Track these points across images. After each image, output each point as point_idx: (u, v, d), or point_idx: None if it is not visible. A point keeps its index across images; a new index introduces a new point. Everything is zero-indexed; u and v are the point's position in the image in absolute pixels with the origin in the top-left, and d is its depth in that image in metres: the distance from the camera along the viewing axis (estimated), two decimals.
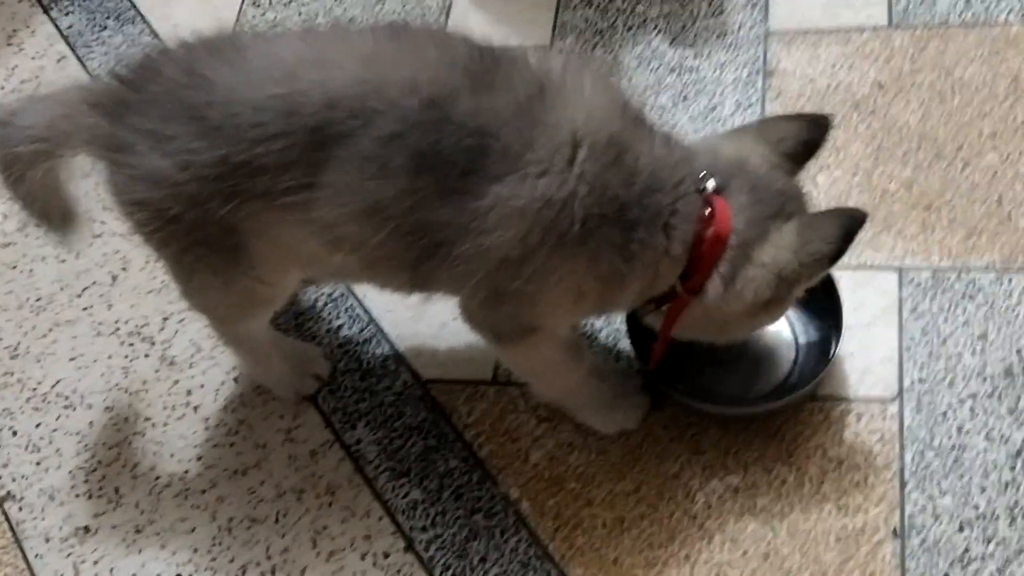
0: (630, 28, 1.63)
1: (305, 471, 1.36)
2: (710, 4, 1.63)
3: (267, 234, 1.06)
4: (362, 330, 1.45)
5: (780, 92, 1.53)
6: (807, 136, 1.08)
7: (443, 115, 0.95)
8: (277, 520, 1.33)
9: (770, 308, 1.06)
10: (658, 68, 1.58)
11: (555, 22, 1.67)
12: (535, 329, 1.11)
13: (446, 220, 0.98)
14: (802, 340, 1.30)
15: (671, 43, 1.59)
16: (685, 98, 1.55)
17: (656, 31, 1.61)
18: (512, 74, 0.99)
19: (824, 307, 1.26)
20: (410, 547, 1.28)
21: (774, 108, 1.51)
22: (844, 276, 1.28)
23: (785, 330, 1.31)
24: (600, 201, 0.98)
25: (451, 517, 1.29)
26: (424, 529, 1.29)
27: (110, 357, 1.50)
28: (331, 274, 1.32)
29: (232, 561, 1.31)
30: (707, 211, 1.02)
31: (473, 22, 1.67)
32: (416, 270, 1.05)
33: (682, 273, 1.04)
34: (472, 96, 0.96)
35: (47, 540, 1.36)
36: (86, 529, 1.36)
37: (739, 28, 1.61)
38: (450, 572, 1.25)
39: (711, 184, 1.02)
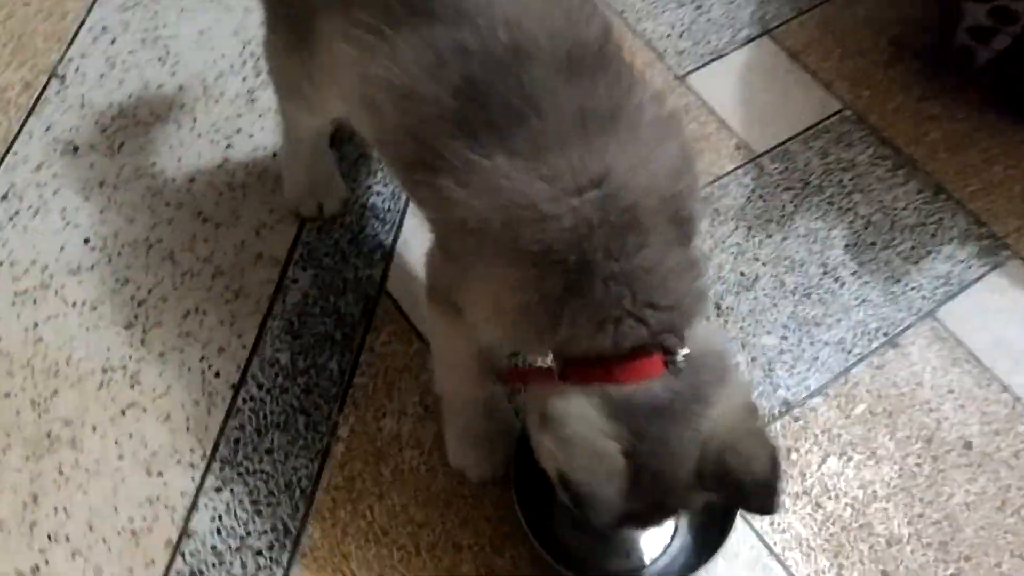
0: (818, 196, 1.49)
1: (239, 261, 1.37)
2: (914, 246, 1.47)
3: (330, 50, 1.05)
4: (387, 211, 1.43)
5: None
6: (761, 481, 0.91)
7: (515, 64, 0.90)
8: (184, 274, 1.35)
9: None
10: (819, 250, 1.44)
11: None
12: (460, 312, 1.05)
13: (448, 151, 0.92)
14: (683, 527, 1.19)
15: (847, 245, 1.45)
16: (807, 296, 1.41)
17: (837, 224, 1.47)
18: (603, 82, 0.91)
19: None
20: (236, 387, 1.27)
21: None
22: None
23: None
24: (574, 245, 0.89)
25: (286, 398, 1.26)
26: (260, 386, 1.27)
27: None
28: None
29: (122, 270, 1.34)
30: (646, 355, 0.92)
31: None
32: (406, 173, 1.01)
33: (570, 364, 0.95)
34: (554, 71, 0.90)
35: None
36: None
37: None
38: (243, 432, 1.23)
39: (671, 344, 0.92)
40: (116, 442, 1.23)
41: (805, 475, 1.25)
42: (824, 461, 1.26)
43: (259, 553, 1.17)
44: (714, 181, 1.49)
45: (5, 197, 1.41)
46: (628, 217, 0.89)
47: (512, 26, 0.91)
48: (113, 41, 1.57)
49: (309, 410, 1.26)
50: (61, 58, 1.55)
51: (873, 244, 1.45)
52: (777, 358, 1.33)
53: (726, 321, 1.36)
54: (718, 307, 1.37)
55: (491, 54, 0.91)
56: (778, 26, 1.67)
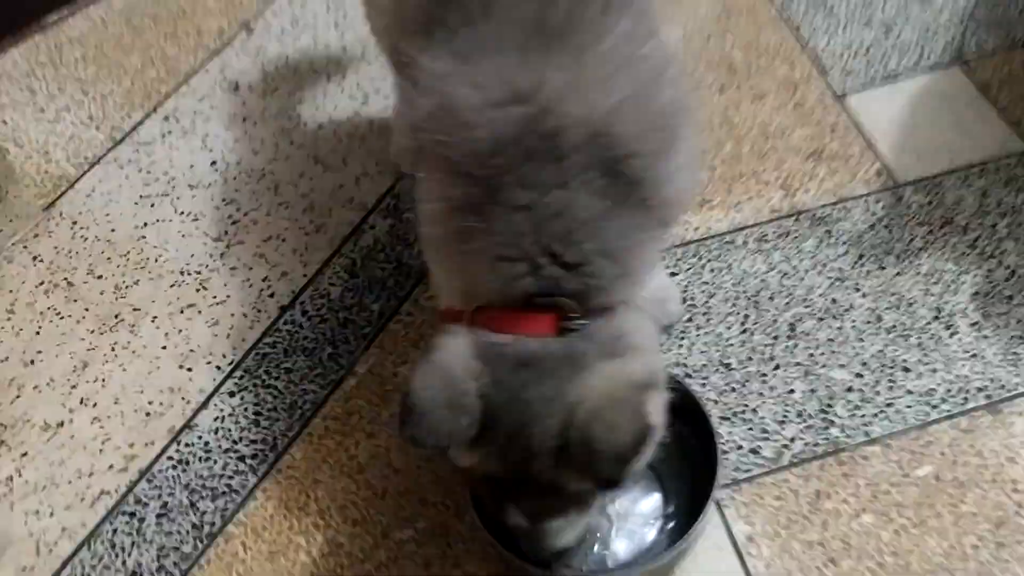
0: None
1: (331, 202, 1.42)
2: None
3: None
4: None
5: None
6: (617, 451, 0.78)
7: None
8: (280, 204, 1.43)
9: None
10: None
11: None
12: None
13: (409, 47, 0.89)
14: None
15: (977, 294, 1.22)
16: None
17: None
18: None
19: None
20: (283, 309, 1.31)
21: None
22: None
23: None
24: (486, 161, 0.82)
25: (322, 327, 1.29)
26: (304, 312, 1.31)
27: None
28: None
29: (231, 192, 1.45)
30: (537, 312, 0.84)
31: None
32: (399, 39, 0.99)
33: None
34: None
35: None
36: None
37: None
38: (272, 349, 1.28)
39: (568, 308, 0.83)
40: (166, 334, 1.31)
41: (828, 524, 1.06)
42: (858, 516, 1.07)
43: (242, 459, 1.18)
44: (838, 203, 1.33)
45: (167, 118, 1.56)
46: (549, 145, 0.81)
47: None
48: (304, 4, 1.71)
49: (338, 343, 1.27)
50: (257, 14, 1.71)
51: (1010, 298, 1.22)
52: (841, 394, 1.15)
53: (795, 344, 1.20)
54: (792, 329, 1.21)
55: None
56: (974, 58, 1.47)
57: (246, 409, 1.22)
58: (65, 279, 1.38)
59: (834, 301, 1.23)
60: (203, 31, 1.69)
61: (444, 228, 0.88)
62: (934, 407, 1.13)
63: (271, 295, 1.33)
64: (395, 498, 1.13)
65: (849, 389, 1.16)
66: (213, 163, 1.49)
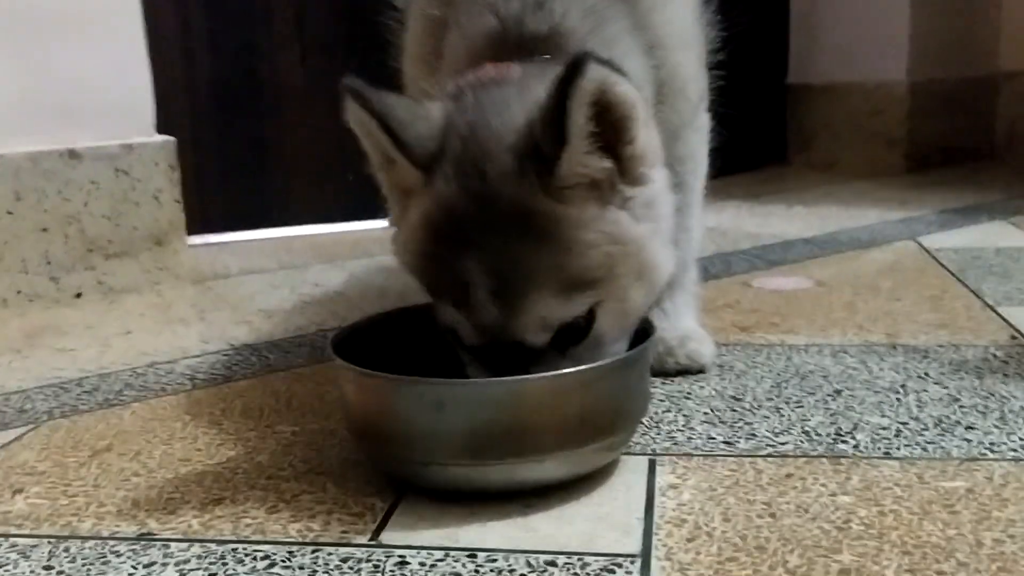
0: None
1: None
2: None
3: None
4: None
5: None
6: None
7: None
8: None
9: None
10: None
11: None
12: None
13: None
14: None
15: None
16: None
17: None
18: None
19: None
20: None
21: None
22: None
23: None
24: None
25: None
26: None
27: None
28: None
29: None
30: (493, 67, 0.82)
31: None
32: None
33: None
34: None
35: None
36: None
37: None
38: None
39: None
40: None
41: (787, 494, 0.76)
42: (835, 496, 0.75)
43: None
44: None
45: None
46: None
47: None
48: None
49: None
50: None
51: None
52: (866, 427, 0.88)
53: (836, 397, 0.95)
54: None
55: None
56: None
57: None
58: None
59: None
60: None
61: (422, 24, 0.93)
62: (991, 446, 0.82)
63: None
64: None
65: (883, 428, 0.88)
66: None
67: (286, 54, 2.01)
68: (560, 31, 0.83)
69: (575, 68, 0.70)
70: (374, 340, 0.87)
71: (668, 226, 0.81)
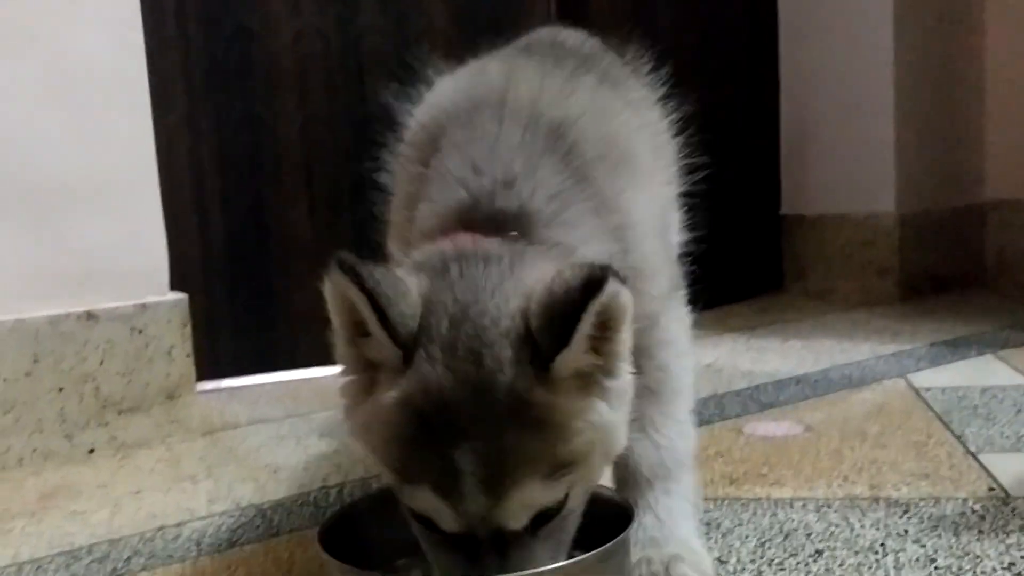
0: None
1: None
2: None
3: None
4: None
5: None
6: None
7: None
8: None
9: None
10: None
11: None
12: None
13: None
14: None
15: None
16: None
17: None
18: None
19: None
20: None
21: None
22: None
23: None
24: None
25: None
26: None
27: None
28: None
29: None
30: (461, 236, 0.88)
31: None
32: None
33: None
34: None
35: None
36: None
37: None
38: None
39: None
40: None
41: None
42: None
43: None
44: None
45: None
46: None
47: None
48: None
49: None
50: None
51: None
52: None
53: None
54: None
55: None
56: None
57: None
58: None
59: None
60: None
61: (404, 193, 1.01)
62: None
63: None
64: None
65: None
66: None
67: (295, 209, 2.11)
68: (527, 211, 0.88)
69: (595, 284, 0.74)
70: (363, 525, 0.91)
71: (629, 409, 0.85)
